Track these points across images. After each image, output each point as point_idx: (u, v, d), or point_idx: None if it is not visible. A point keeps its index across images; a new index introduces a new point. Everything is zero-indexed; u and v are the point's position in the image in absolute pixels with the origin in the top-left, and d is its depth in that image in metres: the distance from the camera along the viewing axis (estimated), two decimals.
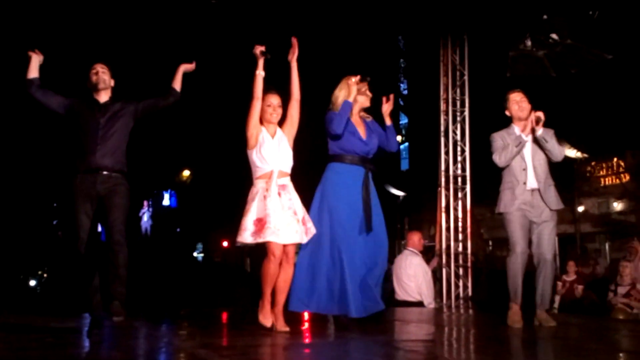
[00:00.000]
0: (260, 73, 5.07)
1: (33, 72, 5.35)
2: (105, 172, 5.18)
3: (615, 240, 20.36)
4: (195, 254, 35.33)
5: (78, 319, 5.95)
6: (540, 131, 5.53)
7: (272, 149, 5.07)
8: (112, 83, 5.40)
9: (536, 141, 5.61)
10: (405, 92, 28.03)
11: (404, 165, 29.89)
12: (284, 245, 4.99)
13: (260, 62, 5.09)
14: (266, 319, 5.05)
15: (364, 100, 5.47)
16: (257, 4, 8.99)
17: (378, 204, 5.42)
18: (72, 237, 5.19)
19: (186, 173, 33.36)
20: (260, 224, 4.91)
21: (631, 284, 8.72)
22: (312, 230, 5.13)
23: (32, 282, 26.24)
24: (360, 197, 5.29)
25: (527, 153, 5.65)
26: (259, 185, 5.02)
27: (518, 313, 5.54)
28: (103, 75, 5.33)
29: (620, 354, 4.41)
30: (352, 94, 5.28)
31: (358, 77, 5.31)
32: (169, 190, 32.35)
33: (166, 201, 32.84)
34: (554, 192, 5.69)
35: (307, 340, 4.71)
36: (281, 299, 5.06)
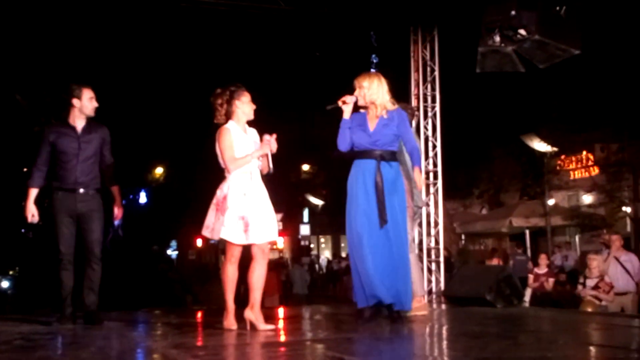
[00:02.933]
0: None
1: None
2: (82, 190, 5.46)
3: (585, 233, 20.65)
4: (169, 252, 35.11)
5: (49, 321, 5.88)
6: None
7: (247, 145, 5.03)
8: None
9: None
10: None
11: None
12: (259, 245, 4.94)
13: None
14: (231, 323, 4.98)
15: (364, 103, 5.53)
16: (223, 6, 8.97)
17: (400, 193, 5.47)
18: (55, 249, 5.43)
19: (159, 170, 33.15)
20: (244, 222, 4.87)
21: (599, 276, 8.84)
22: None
23: (5, 283, 25.84)
24: (369, 190, 5.39)
25: None
26: (237, 180, 4.93)
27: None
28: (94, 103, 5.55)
29: (590, 347, 4.48)
30: (345, 112, 5.48)
31: (339, 102, 5.48)
32: (144, 189, 32.10)
33: (143, 199, 32.59)
34: None
35: (280, 339, 4.71)
36: (258, 296, 5.00)
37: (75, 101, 5.50)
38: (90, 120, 5.57)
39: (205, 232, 5.03)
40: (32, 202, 5.46)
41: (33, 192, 5.48)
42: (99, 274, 5.50)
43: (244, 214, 4.88)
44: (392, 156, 5.51)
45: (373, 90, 5.49)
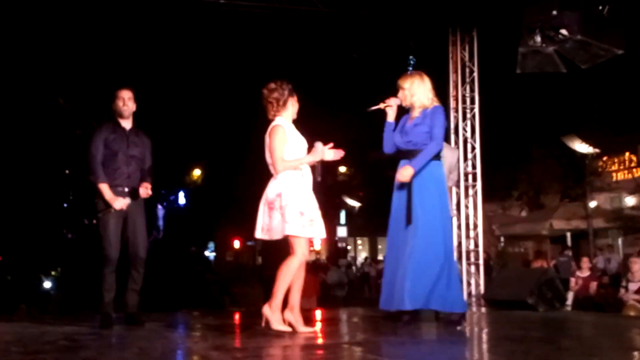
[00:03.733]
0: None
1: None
2: (129, 189, 5.53)
3: (628, 235, 20.22)
4: (207, 253, 35.39)
5: (92, 321, 5.97)
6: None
7: (302, 144, 4.97)
8: (135, 108, 5.69)
9: None
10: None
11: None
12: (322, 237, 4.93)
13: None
14: (283, 323, 4.86)
15: (406, 104, 5.51)
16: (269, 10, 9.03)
17: (433, 192, 5.38)
18: (103, 246, 5.42)
19: (197, 172, 33.43)
20: (304, 217, 4.78)
21: None
22: None
23: (47, 284, 26.32)
24: (400, 191, 5.41)
25: None
26: (287, 179, 4.83)
27: None
28: (129, 103, 5.63)
29: (635, 352, 4.38)
30: (389, 115, 5.48)
31: (381, 104, 5.49)
32: (182, 190, 32.42)
33: (182, 200, 32.91)
34: None
35: (318, 342, 4.71)
36: (297, 298, 4.93)
37: (113, 105, 5.64)
38: (135, 126, 5.71)
39: (261, 234, 4.91)
40: (112, 193, 5.46)
41: (107, 187, 5.48)
42: (142, 276, 5.57)
43: (302, 210, 4.79)
44: None
45: (414, 91, 5.46)
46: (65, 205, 24.14)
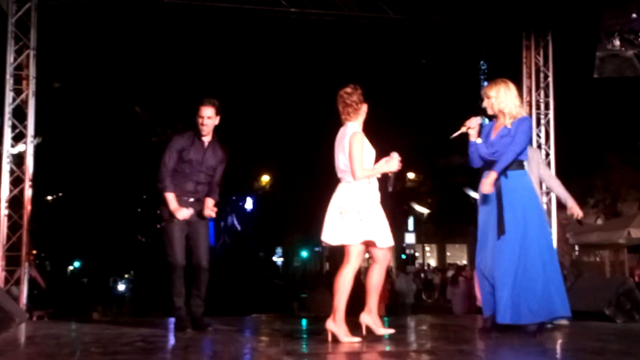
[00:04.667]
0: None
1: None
2: (193, 199, 5.70)
3: None
4: (275, 259, 35.71)
5: (166, 324, 6.12)
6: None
7: (372, 153, 4.97)
8: (217, 122, 5.75)
9: None
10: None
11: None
12: (380, 249, 4.87)
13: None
14: (348, 334, 4.79)
15: (492, 112, 5.48)
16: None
17: (524, 203, 5.31)
18: (168, 254, 5.58)
19: (265, 178, 33.83)
20: (376, 225, 4.81)
21: None
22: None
23: (121, 287, 27.06)
24: (489, 202, 5.35)
25: None
26: (357, 185, 4.83)
27: None
28: (208, 121, 5.67)
29: None
30: (472, 135, 5.41)
31: (463, 128, 5.42)
32: (250, 196, 32.86)
33: (249, 205, 33.35)
34: None
35: (388, 349, 4.68)
36: (375, 300, 4.96)
37: (195, 117, 5.73)
38: (215, 139, 5.80)
39: (330, 239, 4.88)
40: (176, 204, 5.59)
41: (173, 196, 5.62)
42: (206, 281, 5.68)
43: (372, 217, 4.81)
44: (515, 165, 5.34)
45: (501, 99, 5.38)
46: (139, 210, 24.80)
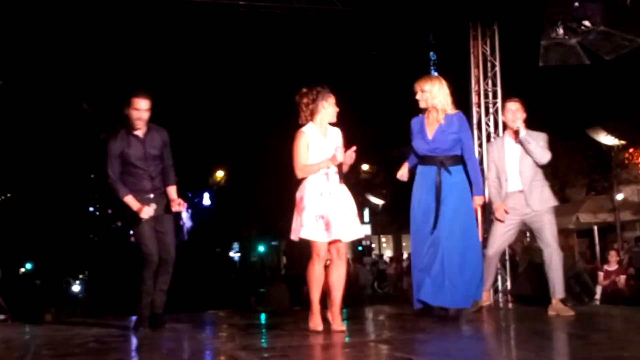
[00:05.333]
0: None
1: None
2: (153, 195, 5.52)
3: None
4: (231, 254, 35.54)
5: (120, 323, 6.03)
6: (523, 133, 5.90)
7: (325, 149, 5.01)
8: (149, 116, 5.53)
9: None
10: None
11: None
12: (334, 243, 4.95)
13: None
14: (317, 324, 4.97)
15: (425, 106, 5.57)
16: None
17: (460, 196, 5.50)
18: (142, 250, 5.42)
19: (220, 174, 33.61)
20: (325, 220, 4.88)
21: None
22: None
23: (75, 288, 26.61)
24: (433, 195, 5.45)
25: (515, 158, 6.02)
26: (313, 181, 4.94)
27: (563, 304, 5.90)
28: (144, 115, 5.45)
29: None
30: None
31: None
32: (207, 191, 32.63)
33: (206, 201, 33.10)
34: (539, 193, 6.02)
35: (345, 340, 4.70)
36: (337, 297, 5.01)
37: (126, 111, 5.52)
38: (150, 125, 5.54)
39: (292, 236, 5.07)
40: (138, 203, 5.40)
41: (132, 198, 5.41)
42: (170, 277, 5.58)
43: (322, 213, 4.87)
44: (454, 161, 5.53)
45: (435, 94, 5.49)
46: (91, 209, 24.41)
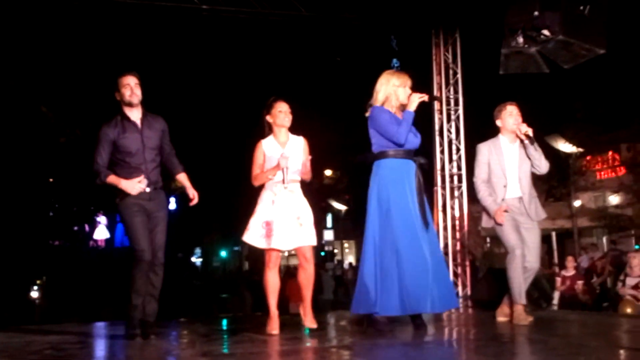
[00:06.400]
0: None
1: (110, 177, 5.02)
2: (149, 189, 5.07)
3: (612, 234, 20.38)
4: (193, 259, 35.26)
5: (78, 330, 5.93)
6: (535, 144, 5.66)
7: (275, 158, 5.16)
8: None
9: (523, 149, 5.72)
10: None
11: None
12: (299, 248, 5.12)
13: None
14: (273, 328, 5.09)
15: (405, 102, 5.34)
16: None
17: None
18: (133, 247, 4.98)
19: None
20: (268, 227, 5.05)
21: None
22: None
23: (34, 294, 26.07)
24: (412, 192, 5.17)
25: (514, 164, 5.72)
26: (268, 189, 5.16)
27: (524, 311, 5.65)
28: (137, 90, 5.08)
29: (621, 351, 4.40)
30: (414, 104, 5.21)
31: (427, 97, 5.33)
32: (173, 195, 32.38)
33: (172, 206, 32.83)
34: (535, 203, 5.79)
35: (308, 345, 4.69)
36: (307, 295, 5.20)
37: (117, 94, 5.09)
38: (146, 112, 5.17)
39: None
40: (124, 179, 4.96)
41: (115, 177, 4.98)
42: (161, 279, 5.13)
43: (268, 220, 5.06)
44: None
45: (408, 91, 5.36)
46: (51, 214, 23.97)
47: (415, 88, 5.64)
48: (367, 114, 5.34)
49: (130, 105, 5.06)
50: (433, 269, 5.02)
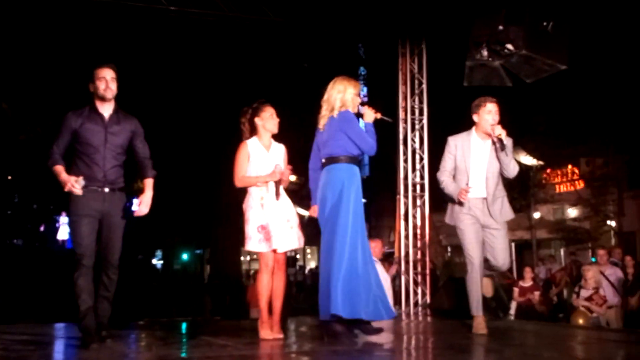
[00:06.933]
0: None
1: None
2: (108, 189, 4.84)
3: (569, 246, 20.76)
4: (154, 262, 34.86)
5: (32, 331, 5.83)
6: (508, 141, 5.45)
7: (267, 162, 5.21)
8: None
9: (494, 148, 5.54)
10: (366, 99, 28.28)
11: (365, 172, 30.11)
12: (275, 254, 5.14)
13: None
14: (266, 333, 5.10)
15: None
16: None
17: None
18: (74, 249, 4.77)
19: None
20: (265, 231, 5.08)
21: (595, 288, 8.88)
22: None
23: None
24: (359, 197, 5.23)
25: (481, 163, 5.57)
26: (254, 193, 5.17)
27: (482, 322, 5.61)
28: (112, 85, 4.90)
29: None
30: (369, 119, 5.31)
31: (379, 115, 5.36)
32: (135, 197, 32.05)
33: (135, 207, 32.48)
34: (501, 204, 5.63)
35: (268, 350, 4.69)
36: (277, 305, 5.17)
37: (90, 86, 4.90)
38: (118, 110, 4.95)
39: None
40: (66, 174, 4.72)
41: (61, 168, 4.74)
42: (115, 283, 4.96)
43: (262, 224, 5.10)
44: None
45: None
46: (9, 212, 23.52)
47: (381, 97, 5.69)
48: (322, 121, 5.32)
49: (102, 99, 4.87)
50: (369, 277, 5.08)
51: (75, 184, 4.65)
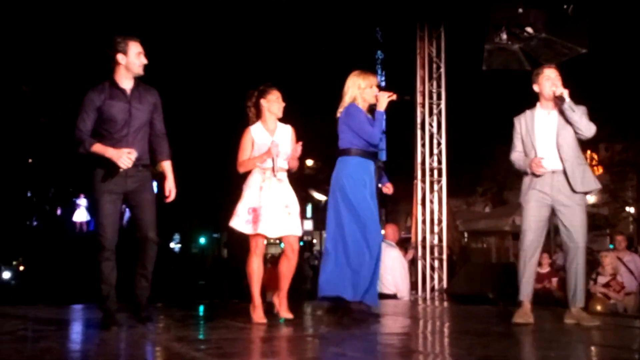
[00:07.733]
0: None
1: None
2: (133, 166, 4.62)
3: (588, 233, 20.58)
4: (172, 245, 35.11)
5: (54, 312, 5.91)
6: (568, 100, 5.10)
7: (264, 145, 5.15)
8: None
9: (563, 115, 5.19)
10: (383, 83, 28.18)
11: (382, 156, 30.05)
12: (287, 237, 5.10)
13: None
14: (260, 316, 5.07)
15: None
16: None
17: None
18: (98, 232, 4.65)
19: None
20: (255, 213, 5.01)
21: (612, 274, 8.85)
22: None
23: (6, 274, 25.84)
24: (374, 190, 5.45)
25: (549, 133, 5.24)
26: (256, 175, 5.12)
27: (527, 309, 5.32)
28: (144, 60, 4.73)
29: (592, 347, 4.48)
30: (383, 104, 5.36)
31: (395, 96, 5.42)
32: (154, 181, 32.25)
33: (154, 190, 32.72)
34: (582, 172, 5.22)
35: (283, 333, 4.72)
36: (285, 285, 5.19)
37: (120, 57, 4.66)
38: (139, 82, 4.76)
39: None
40: (112, 148, 4.54)
41: (100, 145, 4.56)
42: (153, 260, 4.81)
43: (255, 206, 5.03)
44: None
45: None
46: (29, 194, 23.76)
47: (399, 81, 5.71)
48: (338, 115, 5.50)
49: (132, 72, 4.68)
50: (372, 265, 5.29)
51: (130, 156, 4.51)
